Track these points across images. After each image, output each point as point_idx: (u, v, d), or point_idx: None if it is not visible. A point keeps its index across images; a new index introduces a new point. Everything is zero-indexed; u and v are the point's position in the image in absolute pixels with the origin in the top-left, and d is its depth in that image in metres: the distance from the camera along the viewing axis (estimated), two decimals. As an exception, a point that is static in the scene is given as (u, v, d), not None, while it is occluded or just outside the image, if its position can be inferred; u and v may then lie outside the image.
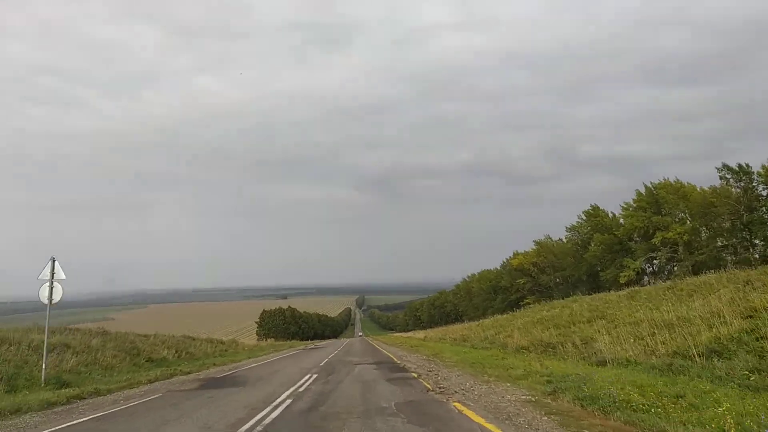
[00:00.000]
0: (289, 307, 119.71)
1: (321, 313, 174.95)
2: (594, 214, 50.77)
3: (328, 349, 41.14)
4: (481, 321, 49.74)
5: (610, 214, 50.18)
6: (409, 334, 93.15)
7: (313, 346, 50.76)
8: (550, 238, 62.70)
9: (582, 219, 51.99)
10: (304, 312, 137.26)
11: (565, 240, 57.75)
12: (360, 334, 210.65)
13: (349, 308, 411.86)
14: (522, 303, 64.35)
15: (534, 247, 63.63)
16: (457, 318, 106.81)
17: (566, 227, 53.57)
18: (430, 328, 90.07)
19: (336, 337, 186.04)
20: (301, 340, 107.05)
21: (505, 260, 76.53)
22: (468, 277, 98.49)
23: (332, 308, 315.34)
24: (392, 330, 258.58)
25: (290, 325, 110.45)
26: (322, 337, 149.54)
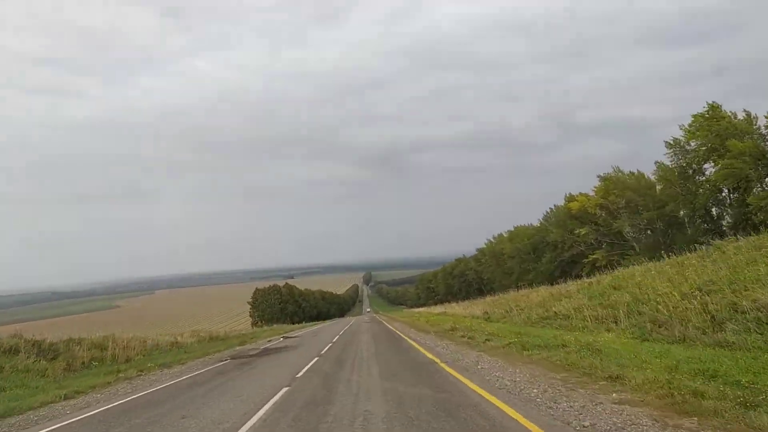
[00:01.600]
0: (286, 283, 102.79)
1: (326, 290, 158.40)
2: (714, 117, 32.62)
3: (310, 348, 23.77)
4: (527, 291, 33.33)
5: (741, 115, 32.26)
6: (423, 309, 76.46)
7: (281, 339, 33.42)
8: (620, 171, 44.78)
9: (692, 127, 33.76)
10: (305, 289, 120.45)
11: (652, 175, 39.78)
12: (368, 310, 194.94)
13: (357, 285, 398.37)
14: (584, 261, 46.92)
15: (599, 184, 45.75)
16: (481, 289, 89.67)
17: (665, 142, 35.42)
18: (449, 302, 73.03)
19: (342, 316, 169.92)
20: (299, 322, 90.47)
21: (550, 209, 58.93)
22: (494, 238, 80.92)
23: (339, 286, 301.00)
24: (402, 305, 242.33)
25: (287, 304, 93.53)
26: (327, 317, 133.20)
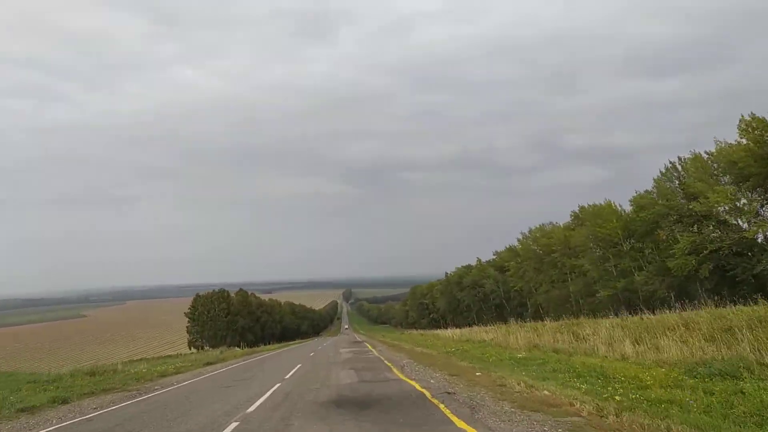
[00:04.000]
0: (240, 290, 75.70)
1: (298, 303, 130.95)
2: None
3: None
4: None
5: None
6: (426, 333, 51.08)
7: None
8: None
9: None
10: (269, 300, 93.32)
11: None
12: (346, 327, 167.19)
13: (336, 301, 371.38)
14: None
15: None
16: (503, 305, 64.02)
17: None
18: (463, 326, 48.03)
19: (318, 334, 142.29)
20: (253, 343, 63.61)
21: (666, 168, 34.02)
22: (528, 232, 55.66)
23: (318, 302, 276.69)
24: (385, 323, 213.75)
25: (238, 317, 66.62)
26: (296, 335, 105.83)
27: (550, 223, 53.31)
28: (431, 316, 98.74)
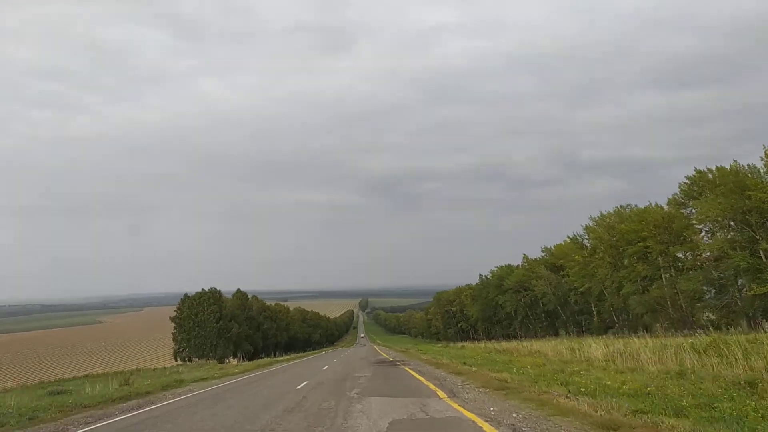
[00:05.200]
0: (238, 290, 63.42)
1: (310, 310, 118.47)
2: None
3: None
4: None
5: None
6: (466, 345, 38.07)
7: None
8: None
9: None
10: (276, 304, 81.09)
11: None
12: (362, 336, 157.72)
13: (352, 310, 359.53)
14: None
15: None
16: (556, 314, 51.24)
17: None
18: (499, 338, 35.69)
19: (332, 344, 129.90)
20: (254, 355, 51.54)
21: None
22: (598, 217, 42.66)
23: (334, 311, 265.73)
24: (403, 333, 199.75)
25: (232, 322, 54.40)
26: (307, 346, 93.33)
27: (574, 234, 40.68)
28: (459, 325, 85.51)
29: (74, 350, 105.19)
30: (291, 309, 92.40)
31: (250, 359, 50.36)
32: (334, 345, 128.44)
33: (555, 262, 51.16)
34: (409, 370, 19.45)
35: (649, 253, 34.42)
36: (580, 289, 43.33)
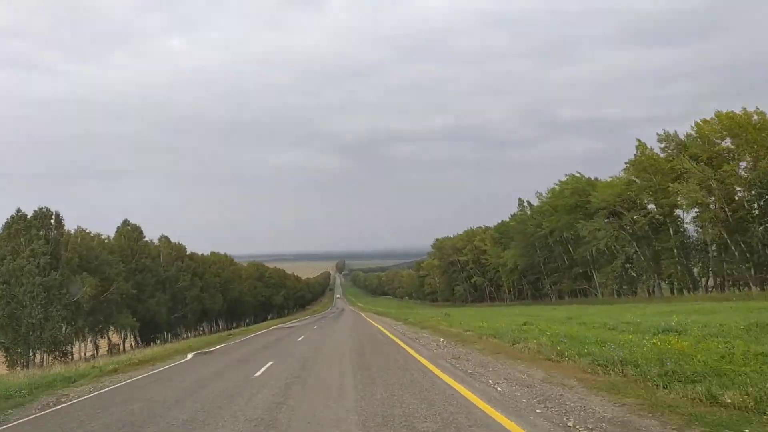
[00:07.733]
0: (125, 222, 37.69)
1: (273, 267, 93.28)
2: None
3: None
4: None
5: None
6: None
7: None
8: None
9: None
10: (213, 254, 55.47)
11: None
12: (339, 297, 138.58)
13: (328, 272, 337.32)
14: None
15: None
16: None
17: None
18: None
19: (303, 308, 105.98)
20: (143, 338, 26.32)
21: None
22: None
23: (310, 273, 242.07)
24: (387, 294, 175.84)
25: (86, 275, 28.62)
26: (268, 311, 68.98)
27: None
28: (473, 280, 61.39)
29: None
30: (242, 264, 66.96)
31: (144, 341, 25.47)
32: (306, 309, 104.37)
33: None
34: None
35: None
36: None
